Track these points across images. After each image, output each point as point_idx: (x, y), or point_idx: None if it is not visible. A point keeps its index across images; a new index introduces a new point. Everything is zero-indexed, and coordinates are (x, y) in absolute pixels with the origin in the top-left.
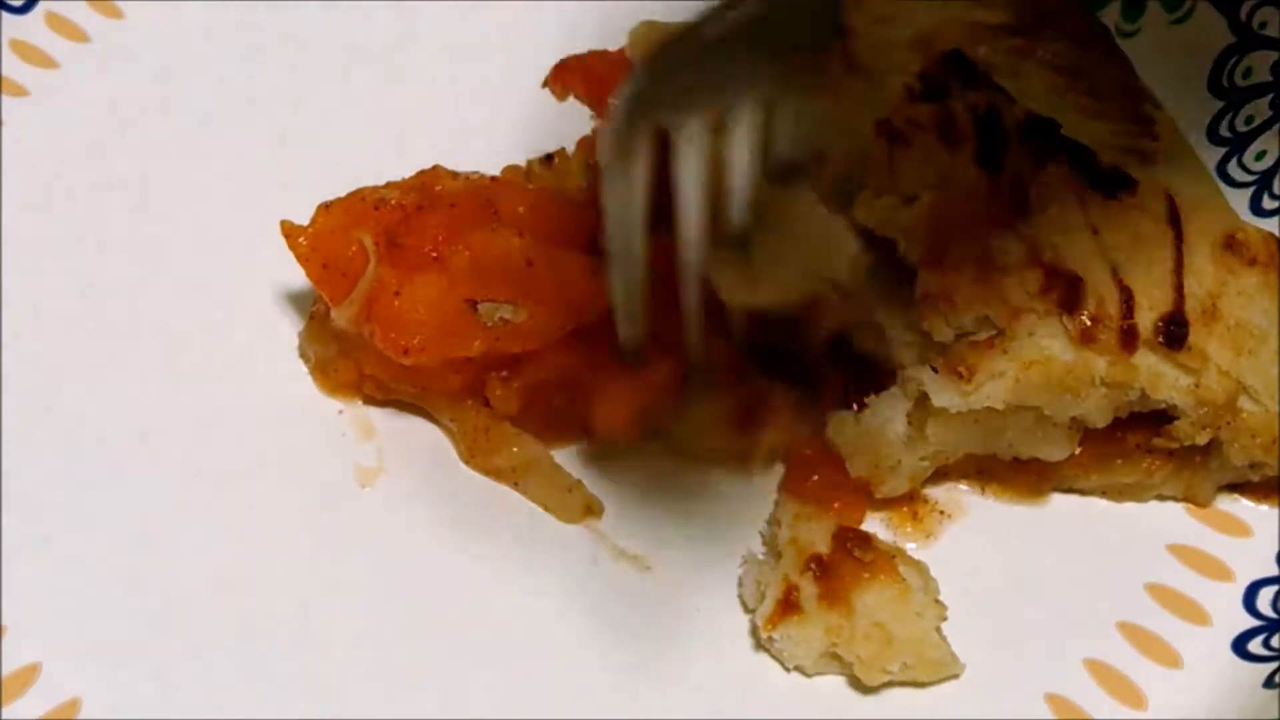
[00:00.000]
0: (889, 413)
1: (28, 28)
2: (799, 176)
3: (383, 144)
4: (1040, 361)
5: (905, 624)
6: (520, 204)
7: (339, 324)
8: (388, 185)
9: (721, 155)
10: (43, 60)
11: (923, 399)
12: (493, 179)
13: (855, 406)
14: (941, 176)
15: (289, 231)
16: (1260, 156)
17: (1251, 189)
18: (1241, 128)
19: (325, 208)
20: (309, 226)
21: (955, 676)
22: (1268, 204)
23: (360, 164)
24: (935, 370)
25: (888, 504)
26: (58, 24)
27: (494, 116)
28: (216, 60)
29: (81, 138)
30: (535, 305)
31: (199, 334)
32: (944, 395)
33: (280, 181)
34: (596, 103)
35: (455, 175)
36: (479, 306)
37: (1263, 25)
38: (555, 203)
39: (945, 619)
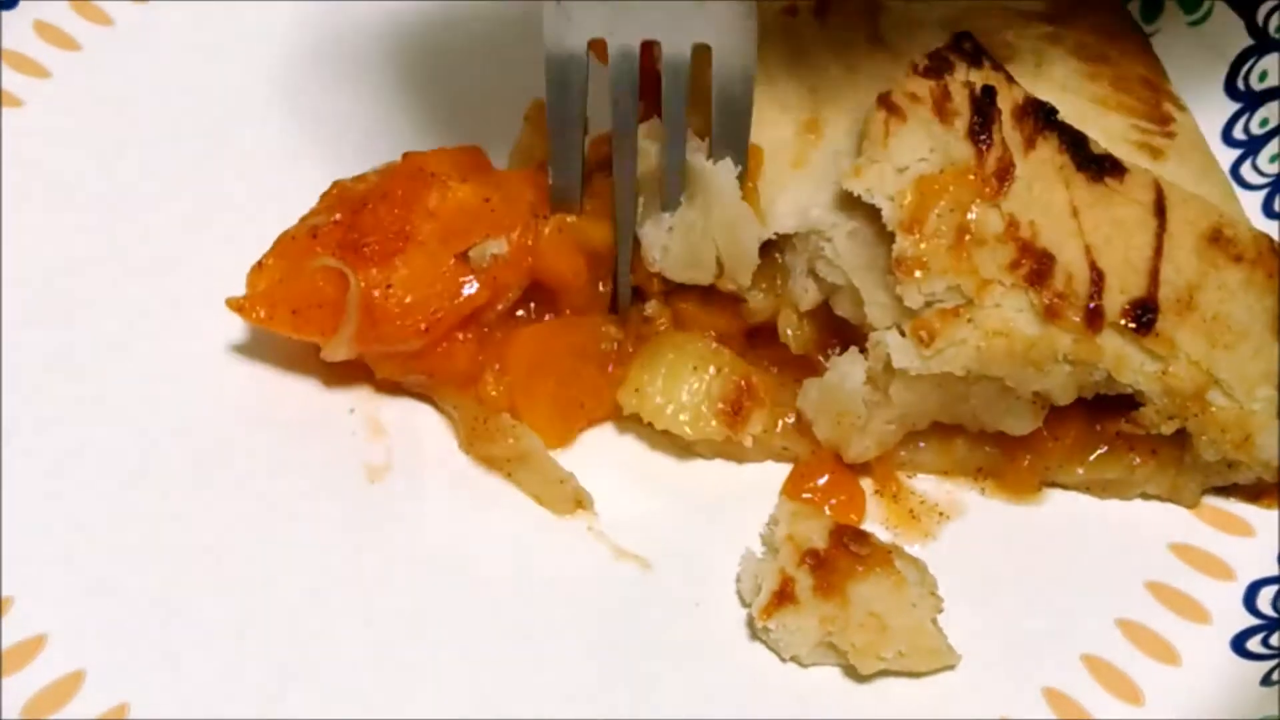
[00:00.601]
0: (847, 368)
1: None
2: (735, 155)
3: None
4: (1003, 333)
5: (900, 614)
6: (443, 161)
7: (338, 357)
8: (302, 220)
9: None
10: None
11: (889, 362)
12: (404, 156)
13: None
14: (931, 149)
15: (238, 306)
16: (1274, 159)
17: (1265, 191)
18: (1256, 130)
19: (258, 267)
20: (249, 292)
21: (951, 667)
22: None
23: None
24: (902, 334)
25: (882, 496)
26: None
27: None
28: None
29: (79, 144)
30: (511, 230)
31: (212, 333)
32: (905, 358)
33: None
34: None
35: (360, 178)
36: (470, 255)
37: None
38: (472, 150)
39: (941, 610)
